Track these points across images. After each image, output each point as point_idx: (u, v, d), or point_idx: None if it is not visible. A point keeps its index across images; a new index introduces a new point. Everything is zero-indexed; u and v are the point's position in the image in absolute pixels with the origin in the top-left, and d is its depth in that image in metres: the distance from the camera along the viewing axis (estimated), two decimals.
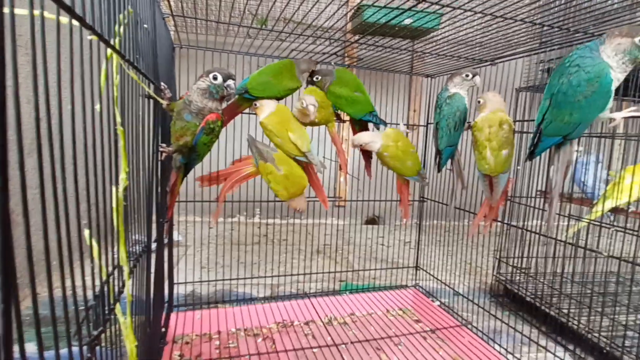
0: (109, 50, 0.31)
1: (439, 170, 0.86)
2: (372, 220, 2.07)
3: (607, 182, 0.91)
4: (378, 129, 0.90)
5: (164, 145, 0.59)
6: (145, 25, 0.47)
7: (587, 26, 0.71)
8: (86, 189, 0.28)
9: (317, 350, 0.79)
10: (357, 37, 0.85)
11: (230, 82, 0.58)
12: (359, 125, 0.91)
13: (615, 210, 0.85)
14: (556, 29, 0.71)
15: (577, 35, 0.73)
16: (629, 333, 0.82)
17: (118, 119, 0.34)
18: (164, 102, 0.58)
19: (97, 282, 0.31)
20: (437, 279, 1.16)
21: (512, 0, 0.62)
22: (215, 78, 0.57)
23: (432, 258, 1.38)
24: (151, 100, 0.54)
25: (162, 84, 0.58)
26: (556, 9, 0.69)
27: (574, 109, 0.56)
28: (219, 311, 0.88)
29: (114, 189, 0.34)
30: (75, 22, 0.24)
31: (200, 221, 1.79)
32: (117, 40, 0.33)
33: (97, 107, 0.29)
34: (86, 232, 0.29)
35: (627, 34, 0.52)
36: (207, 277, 1.14)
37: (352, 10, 0.89)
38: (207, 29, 0.88)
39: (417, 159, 0.86)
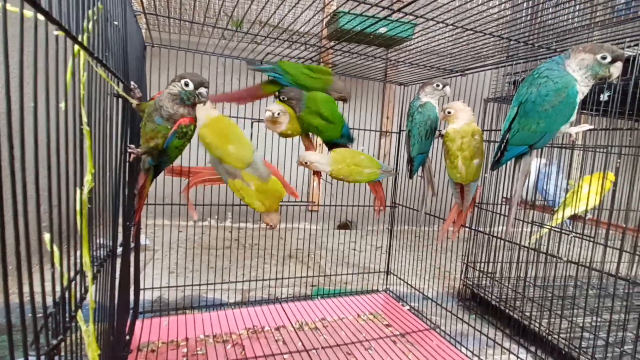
0: (77, 47, 0.30)
1: (411, 176, 0.87)
2: (344, 225, 2.08)
3: (566, 191, 0.96)
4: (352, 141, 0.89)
5: (132, 146, 0.57)
6: (115, 22, 0.45)
7: (550, 42, 0.74)
8: (48, 190, 0.27)
9: (288, 356, 0.78)
10: (332, 44, 0.86)
11: (202, 89, 0.56)
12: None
13: (574, 218, 0.90)
14: (522, 44, 0.74)
15: (540, 50, 0.77)
16: (586, 334, 0.86)
17: (84, 118, 0.33)
18: (134, 102, 0.56)
19: (58, 288, 0.30)
20: (407, 284, 1.18)
21: (481, 15, 0.64)
22: (186, 85, 0.56)
23: (402, 263, 1.40)
24: (120, 100, 0.52)
25: (132, 83, 0.56)
26: (522, 25, 0.72)
27: (542, 117, 0.59)
28: (187, 317, 0.86)
29: (78, 190, 0.33)
30: (40, 17, 0.23)
31: (169, 225, 1.74)
32: (85, 36, 0.32)
33: (62, 105, 0.27)
34: (46, 236, 0.27)
35: (590, 51, 0.55)
36: (176, 282, 1.11)
37: (328, 17, 0.90)
38: (181, 29, 0.86)
39: (372, 161, 0.86)
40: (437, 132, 0.82)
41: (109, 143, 0.44)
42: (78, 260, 0.35)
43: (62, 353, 0.31)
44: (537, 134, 0.61)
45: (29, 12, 0.23)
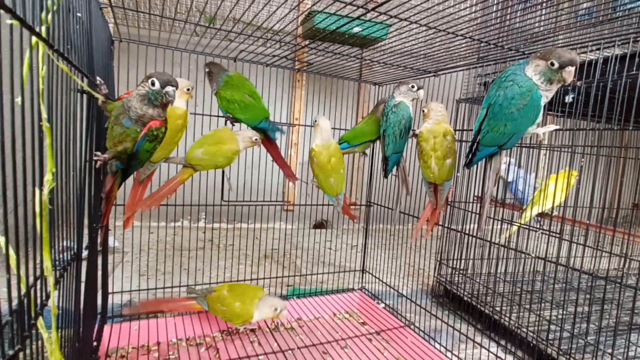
0: (34, 38, 0.28)
1: (386, 176, 0.88)
2: (320, 225, 2.08)
3: (534, 189, 0.99)
4: (274, 138, 0.87)
5: (98, 153, 0.54)
6: (78, 14, 0.43)
7: (519, 45, 0.77)
8: (2, 191, 0.25)
9: (263, 357, 0.77)
10: (307, 42, 0.86)
11: (168, 88, 0.54)
12: (262, 133, 0.87)
13: (541, 215, 0.93)
14: (492, 46, 0.76)
15: (510, 52, 0.79)
16: (552, 327, 0.90)
17: (44, 115, 0.31)
18: (100, 97, 0.54)
19: (15, 295, 0.28)
20: (382, 282, 1.19)
21: (453, 17, 0.65)
22: (153, 84, 0.54)
23: (377, 261, 1.42)
24: (85, 96, 0.50)
25: (97, 78, 0.54)
26: (492, 27, 0.74)
27: (508, 120, 0.61)
28: (158, 321, 0.84)
29: (37, 191, 0.31)
30: None
31: (139, 226, 1.69)
32: (44, 27, 0.30)
33: (18, 100, 0.26)
34: (1, 240, 0.26)
35: (543, 57, 0.57)
36: (147, 285, 1.08)
37: (303, 15, 0.90)
38: (151, 24, 0.84)
39: (342, 182, 0.88)
40: (411, 132, 0.83)
41: (72, 141, 0.42)
42: (39, 265, 0.33)
43: None
44: (505, 135, 0.63)
45: None
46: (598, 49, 0.74)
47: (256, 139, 0.81)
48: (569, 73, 0.56)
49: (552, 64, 0.55)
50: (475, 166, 0.77)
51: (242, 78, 0.83)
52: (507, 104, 0.60)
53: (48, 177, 0.33)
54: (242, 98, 0.81)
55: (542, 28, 0.75)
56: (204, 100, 0.99)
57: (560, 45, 0.78)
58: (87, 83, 0.49)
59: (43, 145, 0.32)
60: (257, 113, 0.83)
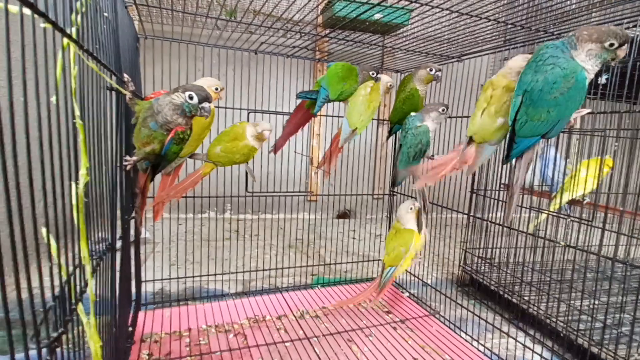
0: (65, 40, 0.30)
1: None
2: (343, 215, 2.08)
3: (564, 175, 0.96)
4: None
5: (127, 157, 0.57)
6: (105, 14, 0.45)
7: (548, 25, 0.74)
8: (42, 186, 0.27)
9: (289, 344, 0.79)
10: (327, 31, 0.85)
11: (205, 104, 0.56)
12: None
13: (572, 202, 0.90)
14: (519, 28, 0.73)
15: (538, 34, 0.76)
16: (583, 317, 0.87)
17: (77, 112, 0.33)
18: (128, 93, 0.56)
19: (57, 282, 0.30)
20: (407, 271, 1.19)
21: None
22: (191, 98, 0.55)
23: None
24: (114, 93, 0.52)
25: (125, 75, 0.56)
26: (519, 8, 0.71)
27: (551, 105, 0.57)
28: (188, 308, 0.87)
29: (73, 185, 0.33)
30: (26, 10, 0.23)
31: (168, 218, 1.75)
32: (74, 29, 0.31)
33: (53, 99, 0.27)
34: (43, 230, 0.27)
35: (597, 40, 0.54)
36: (177, 274, 1.12)
37: (323, 4, 0.89)
38: (173, 19, 0.85)
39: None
40: (428, 153, 0.83)
41: (103, 137, 0.44)
42: (77, 255, 0.35)
43: (64, 346, 0.31)
44: (548, 123, 0.59)
45: (14, 7, 0.23)
46: (634, 26, 0.70)
47: (262, 131, 0.79)
48: (624, 50, 0.53)
49: (612, 45, 0.53)
50: (501, 152, 0.75)
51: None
52: (548, 88, 0.57)
53: (83, 171, 0.35)
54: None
55: (573, 6, 0.71)
56: (227, 93, 1.01)
57: (595, 23, 0.74)
58: (116, 81, 0.51)
59: (77, 142, 0.34)
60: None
